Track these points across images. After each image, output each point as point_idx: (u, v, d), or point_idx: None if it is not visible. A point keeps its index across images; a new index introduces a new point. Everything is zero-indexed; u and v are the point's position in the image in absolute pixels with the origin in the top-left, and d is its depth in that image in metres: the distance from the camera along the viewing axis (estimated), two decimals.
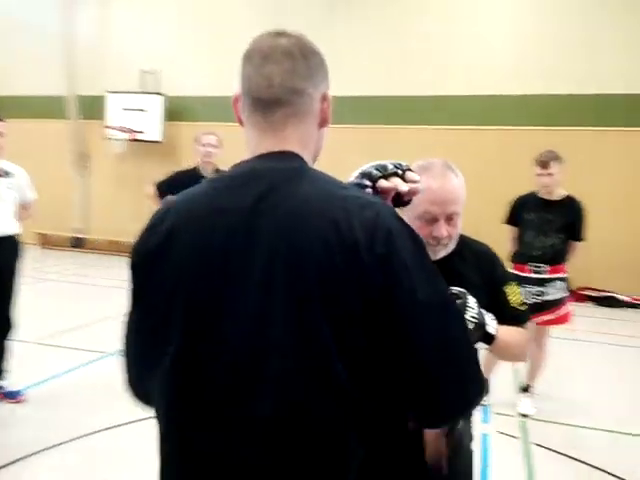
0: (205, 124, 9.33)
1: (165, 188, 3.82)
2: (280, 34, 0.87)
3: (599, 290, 7.46)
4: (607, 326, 6.32)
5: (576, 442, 3.20)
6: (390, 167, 0.94)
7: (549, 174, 3.47)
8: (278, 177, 0.81)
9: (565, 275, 3.65)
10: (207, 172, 3.79)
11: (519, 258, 3.69)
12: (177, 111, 9.40)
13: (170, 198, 0.93)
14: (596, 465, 2.90)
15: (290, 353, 0.74)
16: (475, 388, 0.83)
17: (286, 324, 0.74)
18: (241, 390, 0.76)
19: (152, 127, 9.30)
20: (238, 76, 0.89)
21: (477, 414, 3.68)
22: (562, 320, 3.62)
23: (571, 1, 7.92)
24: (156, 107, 9.27)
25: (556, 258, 3.60)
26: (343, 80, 8.68)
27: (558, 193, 3.59)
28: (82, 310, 5.59)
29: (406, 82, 8.45)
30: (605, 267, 7.39)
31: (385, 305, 0.74)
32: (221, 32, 9.08)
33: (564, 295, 3.62)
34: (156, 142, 9.33)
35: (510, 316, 1.34)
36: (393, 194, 0.92)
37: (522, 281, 3.58)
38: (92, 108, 9.75)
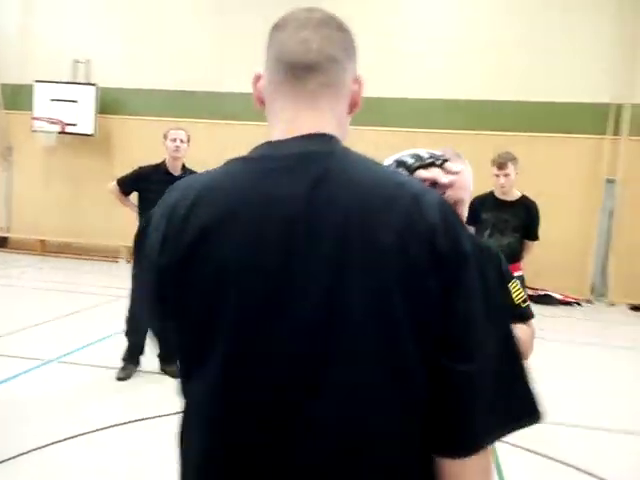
0: (142, 118, 9.05)
1: (128, 184, 3.65)
2: (314, 9, 0.81)
3: (535, 289, 7.77)
4: (564, 324, 6.61)
5: (535, 436, 3.26)
6: (426, 156, 0.91)
7: (506, 175, 3.55)
8: (329, 161, 0.73)
9: (521, 273, 3.73)
10: (175, 169, 3.60)
11: None
12: (111, 103, 8.97)
13: (183, 183, 0.80)
14: (559, 459, 2.95)
15: (365, 353, 0.68)
16: (528, 408, 0.75)
17: (362, 325, 0.68)
18: (301, 392, 0.69)
19: (84, 119, 8.81)
20: (264, 50, 0.81)
21: None
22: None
23: (509, 5, 8.22)
24: (88, 98, 8.79)
25: (512, 257, 3.68)
26: None
27: (513, 193, 3.69)
28: (6, 314, 5.20)
29: None
30: (541, 266, 7.71)
31: (457, 292, 0.69)
32: (159, 22, 8.78)
33: None
34: (88, 135, 8.85)
35: (514, 314, 1.32)
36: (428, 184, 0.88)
37: None
38: (17, 98, 9.16)
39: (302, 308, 0.68)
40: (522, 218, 3.64)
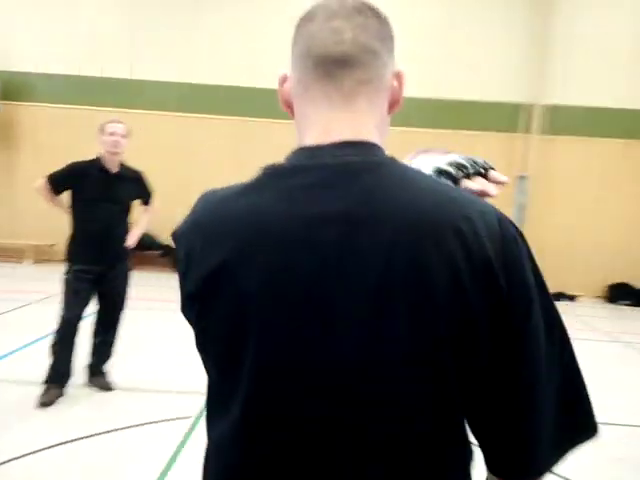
0: (51, 106, 8.37)
1: (60, 181, 3.24)
2: None
3: None
4: None
5: None
6: (469, 164, 0.80)
7: None
8: (374, 175, 0.63)
9: None
10: (112, 166, 3.25)
11: None
12: (14, 89, 8.21)
13: (211, 197, 0.70)
14: None
15: (407, 382, 0.61)
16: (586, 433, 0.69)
17: (402, 369, 0.61)
18: (330, 434, 0.62)
19: None
20: (290, 46, 0.71)
21: None
22: None
23: (425, 5, 8.44)
24: None
25: None
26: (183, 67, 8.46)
27: None
28: None
29: (224, 71, 8.43)
30: None
31: (509, 320, 0.61)
32: (70, 3, 8.13)
33: None
34: None
35: None
36: None
37: None
38: None
39: (336, 344, 0.61)
40: None
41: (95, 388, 3.39)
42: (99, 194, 3.22)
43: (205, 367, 0.71)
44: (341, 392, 0.61)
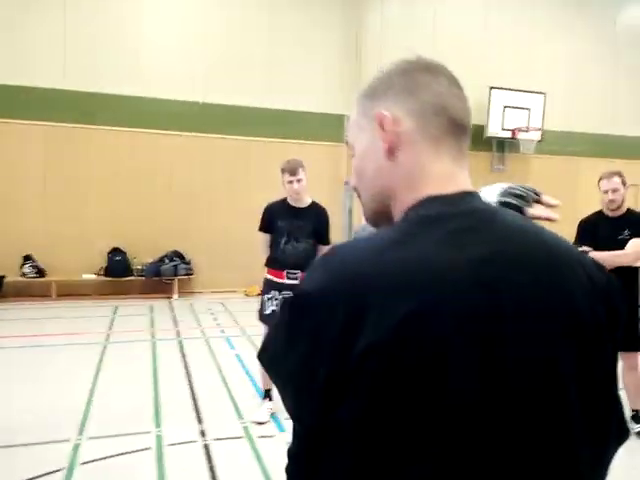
0: None
1: None
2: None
3: None
4: None
5: None
6: (525, 193, 0.88)
7: (299, 180, 3.63)
8: (498, 218, 0.73)
9: None
10: None
11: (274, 264, 3.75)
12: None
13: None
14: None
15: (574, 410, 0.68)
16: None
17: (575, 398, 0.67)
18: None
19: None
20: (402, 89, 0.77)
21: (271, 424, 3.64)
22: None
23: (247, 22, 8.58)
24: None
25: (308, 263, 3.77)
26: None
27: (305, 200, 3.78)
28: None
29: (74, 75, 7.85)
30: None
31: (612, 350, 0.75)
32: None
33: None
34: None
35: None
36: None
37: (278, 287, 3.68)
38: None
39: (519, 381, 0.64)
40: (314, 223, 3.77)
41: None
42: None
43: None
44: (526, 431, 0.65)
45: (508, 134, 9.34)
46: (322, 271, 0.68)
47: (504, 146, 9.62)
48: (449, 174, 0.75)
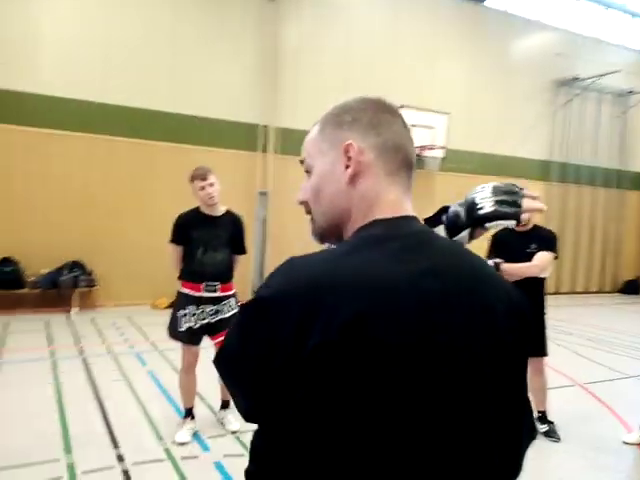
0: None
1: None
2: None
3: None
4: None
5: None
6: (515, 190, 0.99)
7: (211, 184, 3.45)
8: (435, 240, 0.86)
9: (235, 291, 3.75)
10: None
11: (191, 277, 3.56)
12: None
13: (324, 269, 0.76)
14: None
15: (504, 409, 0.80)
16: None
17: (498, 385, 0.79)
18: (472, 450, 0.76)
19: None
20: (365, 124, 0.88)
21: (194, 444, 3.46)
22: None
23: (162, 31, 8.27)
24: None
25: (227, 274, 3.65)
26: None
27: (220, 208, 3.61)
28: None
29: None
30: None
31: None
32: None
33: (236, 311, 3.71)
34: None
35: None
36: None
37: (195, 302, 3.51)
38: None
39: (446, 381, 0.74)
40: (230, 232, 3.61)
41: None
42: None
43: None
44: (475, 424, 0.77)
45: (416, 152, 9.78)
46: (278, 276, 0.75)
47: None
48: (399, 202, 0.86)
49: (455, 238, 1.08)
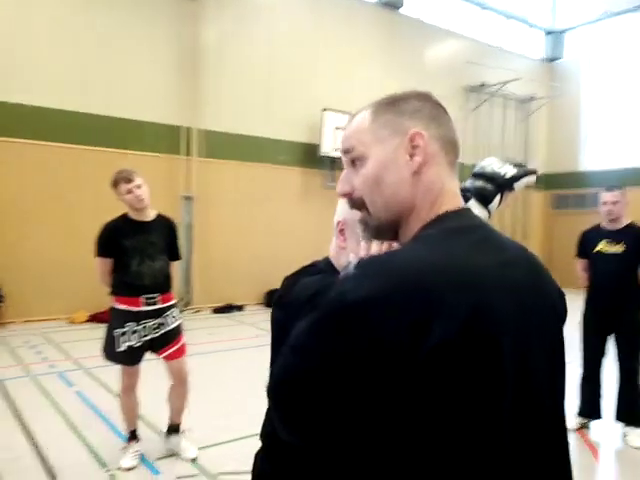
0: None
1: None
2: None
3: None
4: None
5: None
6: (519, 162, 1.20)
7: (138, 186, 3.16)
8: (498, 235, 0.87)
9: (176, 300, 3.54)
10: None
11: (127, 291, 3.24)
12: None
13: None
14: None
15: (562, 389, 0.86)
16: None
17: (559, 364, 0.85)
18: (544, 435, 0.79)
19: None
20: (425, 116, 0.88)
21: (142, 467, 3.20)
22: (184, 348, 3.49)
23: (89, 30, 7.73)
24: None
25: (166, 283, 3.42)
26: None
27: (150, 212, 3.33)
28: None
29: None
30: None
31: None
32: None
33: (180, 322, 3.51)
34: None
35: None
36: None
37: (135, 318, 3.22)
38: None
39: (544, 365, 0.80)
40: (165, 238, 3.36)
41: None
42: None
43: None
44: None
45: (338, 153, 9.85)
46: (371, 278, 0.69)
47: (335, 164, 10.17)
48: (457, 193, 0.88)
49: (489, 206, 1.17)
